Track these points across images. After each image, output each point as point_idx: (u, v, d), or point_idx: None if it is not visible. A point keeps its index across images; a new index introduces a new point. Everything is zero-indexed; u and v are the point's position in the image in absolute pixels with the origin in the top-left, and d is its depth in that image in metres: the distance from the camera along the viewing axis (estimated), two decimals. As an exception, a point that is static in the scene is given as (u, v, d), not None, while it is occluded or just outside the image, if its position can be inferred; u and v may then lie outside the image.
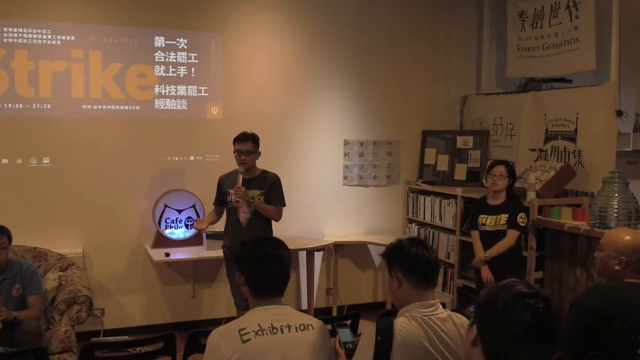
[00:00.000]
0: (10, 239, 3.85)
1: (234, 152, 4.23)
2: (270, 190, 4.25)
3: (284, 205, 4.33)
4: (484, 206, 4.43)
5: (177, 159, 5.17)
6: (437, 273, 2.19)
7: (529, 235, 4.51)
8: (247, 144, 4.18)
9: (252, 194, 4.16)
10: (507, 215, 4.26)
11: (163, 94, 5.07)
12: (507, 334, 1.46)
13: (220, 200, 4.38)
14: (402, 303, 2.13)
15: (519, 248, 4.38)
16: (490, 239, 4.31)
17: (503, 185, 4.32)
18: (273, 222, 4.34)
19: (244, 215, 4.24)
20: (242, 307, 4.03)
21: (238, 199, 4.13)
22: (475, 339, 1.52)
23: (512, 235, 4.25)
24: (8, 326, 3.61)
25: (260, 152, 4.27)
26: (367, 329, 2.08)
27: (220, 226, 4.64)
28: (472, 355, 1.52)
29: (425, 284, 2.11)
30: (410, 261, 2.11)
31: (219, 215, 4.46)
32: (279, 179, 4.32)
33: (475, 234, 4.43)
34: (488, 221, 4.34)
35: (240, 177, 4.14)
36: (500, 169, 4.33)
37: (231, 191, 4.19)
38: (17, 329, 3.63)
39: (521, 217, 4.24)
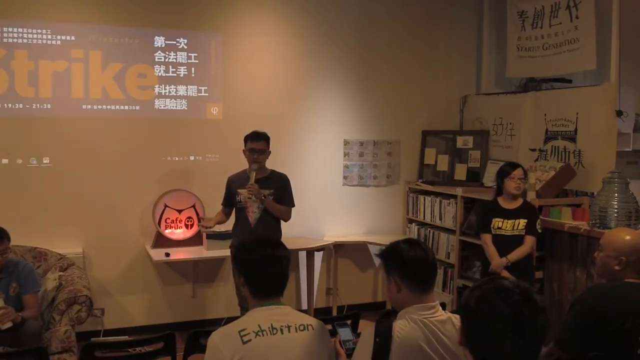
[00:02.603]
0: (9, 240, 3.85)
1: (243, 150, 4.22)
2: (281, 190, 4.26)
3: (294, 205, 4.34)
4: (497, 209, 4.28)
5: (177, 159, 5.17)
6: (436, 275, 2.18)
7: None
8: (261, 143, 4.19)
9: (263, 193, 4.17)
10: (526, 221, 4.17)
11: (163, 94, 5.07)
12: (486, 332, 1.43)
13: (229, 201, 4.36)
14: (401, 306, 2.12)
15: (531, 253, 4.29)
16: (506, 243, 4.18)
17: (522, 189, 4.27)
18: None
19: (253, 214, 4.23)
20: (246, 307, 4.03)
21: (250, 196, 4.13)
22: (461, 340, 1.51)
23: (531, 241, 4.17)
24: (14, 327, 3.61)
25: (270, 152, 4.28)
26: (366, 329, 2.08)
27: (220, 226, 4.63)
28: (466, 355, 1.52)
29: (424, 287, 2.11)
30: (408, 266, 2.10)
31: (227, 216, 4.44)
32: (288, 179, 4.33)
33: (488, 238, 4.28)
34: (504, 225, 4.22)
35: (253, 174, 4.14)
36: (520, 172, 4.23)
37: (241, 190, 4.19)
38: (19, 329, 3.63)
39: (539, 224, 4.20)
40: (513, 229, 4.20)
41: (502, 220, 4.23)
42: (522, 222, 4.18)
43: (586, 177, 4.62)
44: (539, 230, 4.21)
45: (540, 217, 4.41)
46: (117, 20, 4.91)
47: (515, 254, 4.14)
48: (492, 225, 4.26)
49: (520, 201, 4.27)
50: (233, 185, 4.32)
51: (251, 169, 4.17)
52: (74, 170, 4.86)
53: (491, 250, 4.24)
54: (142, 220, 5.06)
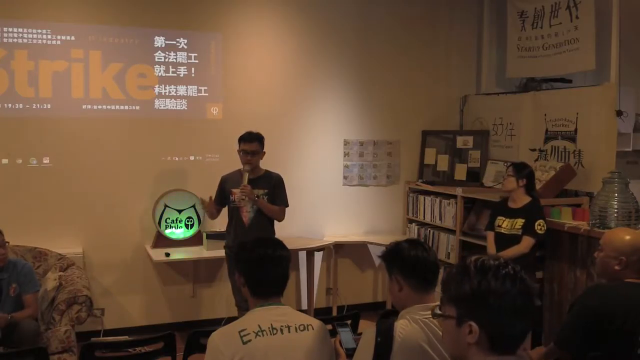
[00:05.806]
0: (2, 235, 3.84)
1: (238, 151, 4.24)
2: (275, 190, 4.27)
3: (287, 205, 4.35)
4: (503, 208, 4.34)
5: (177, 159, 5.17)
6: (437, 275, 2.18)
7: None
8: (254, 144, 4.20)
9: (256, 193, 4.18)
10: (523, 220, 4.17)
11: (163, 94, 5.07)
12: (505, 313, 1.42)
13: (221, 200, 4.38)
14: (402, 305, 2.13)
15: (532, 255, 4.23)
16: (504, 241, 4.23)
17: (510, 186, 4.25)
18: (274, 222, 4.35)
19: (247, 214, 4.25)
20: (243, 307, 4.04)
21: (244, 197, 4.14)
22: (476, 338, 1.43)
23: (526, 241, 4.13)
24: (6, 328, 3.61)
25: (264, 152, 4.29)
26: (368, 329, 2.08)
27: (220, 226, 4.64)
28: (469, 352, 1.47)
29: (425, 286, 2.11)
30: (410, 265, 2.11)
31: (217, 214, 4.47)
32: (282, 179, 4.34)
33: (491, 235, 4.37)
34: (504, 224, 4.26)
35: (246, 175, 4.15)
36: (509, 170, 4.30)
37: (235, 190, 4.20)
38: (15, 329, 3.63)
39: (539, 225, 4.13)
40: (511, 228, 4.22)
41: (504, 218, 4.29)
42: (520, 222, 4.19)
43: (586, 177, 4.62)
44: (539, 232, 4.13)
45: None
46: (117, 20, 4.90)
47: (508, 252, 4.12)
48: (495, 224, 4.33)
49: (525, 201, 4.24)
50: (227, 184, 4.33)
51: (244, 170, 4.19)
52: (73, 170, 4.86)
53: (490, 248, 4.34)
54: (142, 220, 5.06)
